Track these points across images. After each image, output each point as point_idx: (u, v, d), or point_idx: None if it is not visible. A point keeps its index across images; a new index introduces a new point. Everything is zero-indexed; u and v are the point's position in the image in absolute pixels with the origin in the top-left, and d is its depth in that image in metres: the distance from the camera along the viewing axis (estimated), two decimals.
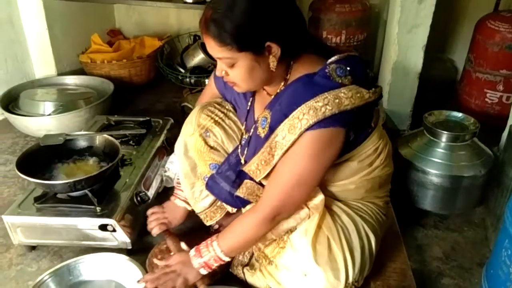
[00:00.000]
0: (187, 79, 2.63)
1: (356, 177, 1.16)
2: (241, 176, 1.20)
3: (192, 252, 1.16)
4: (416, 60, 2.07)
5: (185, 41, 2.94)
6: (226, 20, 0.96)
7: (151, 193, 1.59)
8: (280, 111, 1.03)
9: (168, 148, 1.81)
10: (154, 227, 1.37)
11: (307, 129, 0.98)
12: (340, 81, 1.00)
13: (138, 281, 1.18)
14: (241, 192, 1.20)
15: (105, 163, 1.49)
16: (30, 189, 1.46)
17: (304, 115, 0.98)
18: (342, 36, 2.41)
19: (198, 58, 2.76)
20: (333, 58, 1.03)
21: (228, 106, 1.31)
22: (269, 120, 1.06)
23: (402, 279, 1.26)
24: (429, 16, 1.96)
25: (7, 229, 1.38)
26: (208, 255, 1.13)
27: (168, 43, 2.89)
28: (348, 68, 1.01)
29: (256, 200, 1.20)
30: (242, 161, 1.20)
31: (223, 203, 1.30)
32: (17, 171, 1.32)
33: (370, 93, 1.02)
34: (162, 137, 1.79)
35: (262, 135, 1.08)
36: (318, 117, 0.97)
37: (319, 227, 1.13)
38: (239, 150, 1.23)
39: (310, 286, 1.11)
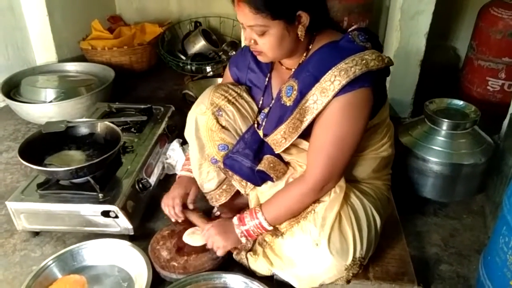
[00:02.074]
0: (188, 66, 2.63)
1: (367, 152, 1.20)
2: (260, 153, 1.23)
3: (236, 220, 1.22)
4: (418, 47, 2.05)
5: (186, 28, 2.93)
6: None
7: (152, 180, 1.60)
8: (310, 76, 1.06)
9: (169, 135, 1.82)
10: (176, 212, 1.36)
11: (340, 91, 1.01)
12: (363, 45, 1.06)
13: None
14: (263, 167, 1.22)
15: (91, 152, 1.50)
16: (33, 176, 1.47)
17: (335, 77, 1.02)
18: (344, 23, 2.39)
19: (199, 45, 2.75)
20: (352, 28, 1.10)
21: (241, 87, 1.32)
22: (296, 87, 1.08)
23: (400, 265, 1.27)
24: (431, 3, 1.94)
25: (10, 215, 1.40)
26: (252, 223, 1.18)
27: (169, 30, 2.88)
28: (367, 36, 1.08)
29: (276, 176, 1.23)
30: (261, 135, 1.22)
31: (238, 185, 1.32)
32: (19, 158, 1.33)
33: (388, 58, 1.08)
34: (164, 125, 1.80)
35: (289, 103, 1.10)
36: (349, 77, 1.00)
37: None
38: (255, 126, 1.26)
39: (318, 259, 1.13)
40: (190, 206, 1.39)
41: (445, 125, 1.57)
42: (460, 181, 1.56)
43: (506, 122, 1.65)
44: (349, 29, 1.10)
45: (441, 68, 2.58)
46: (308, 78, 1.06)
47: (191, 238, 1.34)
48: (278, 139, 1.14)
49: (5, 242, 1.45)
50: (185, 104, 2.18)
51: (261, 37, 1.06)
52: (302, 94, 1.07)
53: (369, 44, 1.07)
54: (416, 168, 1.60)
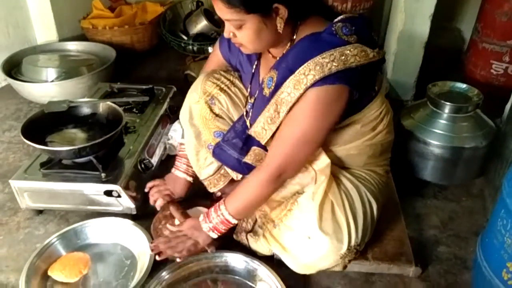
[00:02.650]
0: (190, 47, 2.61)
1: (359, 141, 1.18)
2: (248, 143, 1.22)
3: (201, 216, 1.21)
4: (423, 29, 2.03)
5: (187, 7, 2.89)
6: None
7: (154, 160, 1.61)
8: (286, 68, 1.04)
9: (171, 116, 1.82)
10: (158, 199, 1.40)
11: (312, 85, 0.99)
12: (346, 39, 1.00)
13: (152, 243, 1.24)
14: (249, 159, 1.22)
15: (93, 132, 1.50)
16: (36, 155, 1.48)
17: (310, 71, 0.99)
18: (348, 3, 2.35)
19: (201, 25, 2.72)
20: (338, 18, 1.05)
21: (234, 74, 1.31)
22: (275, 79, 1.06)
23: (399, 246, 1.29)
24: None
25: (14, 194, 1.41)
26: (216, 218, 1.17)
27: (171, 9, 2.84)
28: (353, 28, 1.02)
29: None
30: (248, 125, 1.21)
31: (230, 170, 1.32)
32: (22, 137, 1.33)
33: (374, 53, 1.03)
34: (165, 105, 1.80)
35: (268, 94, 1.09)
36: (324, 73, 0.98)
37: (324, 192, 1.15)
38: (244, 115, 1.24)
39: (313, 248, 1.15)
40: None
41: (447, 108, 1.57)
42: (461, 164, 1.57)
43: (508, 105, 1.64)
44: (335, 20, 1.04)
45: (445, 51, 2.55)
46: (284, 70, 1.04)
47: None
48: (259, 131, 1.13)
49: (9, 220, 1.47)
50: (187, 84, 2.15)
51: (239, 30, 1.04)
52: (277, 86, 1.05)
53: (354, 38, 1.01)
54: (417, 151, 1.61)
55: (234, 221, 1.17)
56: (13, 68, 2.19)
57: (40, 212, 1.48)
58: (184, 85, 2.14)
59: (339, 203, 1.15)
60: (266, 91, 1.09)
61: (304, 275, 1.24)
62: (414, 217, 1.49)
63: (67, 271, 1.21)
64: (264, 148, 1.19)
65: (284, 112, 1.05)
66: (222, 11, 1.01)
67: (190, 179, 1.42)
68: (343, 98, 1.03)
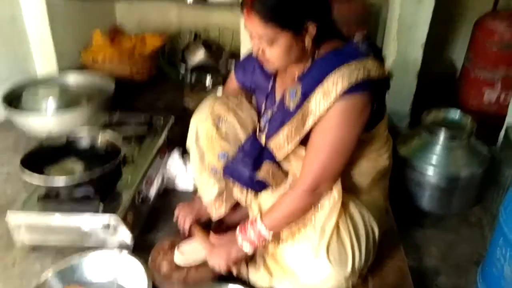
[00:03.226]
0: (188, 77, 2.65)
1: (365, 161, 1.22)
2: (258, 161, 1.25)
3: (237, 230, 1.22)
4: (416, 57, 2.08)
5: (186, 39, 2.95)
6: None
7: (152, 191, 1.61)
8: (313, 79, 1.09)
9: (169, 147, 1.83)
10: (186, 221, 1.40)
11: (341, 95, 1.04)
12: (366, 53, 1.10)
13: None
14: (261, 174, 1.24)
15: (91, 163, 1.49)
16: (34, 188, 1.48)
17: (338, 80, 1.04)
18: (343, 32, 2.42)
19: (199, 56, 2.77)
20: (357, 35, 1.15)
21: (242, 97, 1.34)
22: (299, 91, 1.11)
23: (399, 276, 1.28)
24: (428, 15, 1.97)
25: (11, 228, 1.40)
26: (253, 232, 1.19)
27: (169, 41, 2.90)
28: (370, 47, 1.13)
29: (276, 183, 1.26)
30: (263, 140, 1.24)
31: (239, 193, 1.33)
32: (20, 169, 1.34)
33: (389, 70, 1.12)
34: (164, 135, 1.81)
35: (292, 105, 1.12)
36: (351, 82, 1.03)
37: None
38: (257, 133, 1.28)
39: (318, 269, 1.14)
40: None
41: (442, 135, 1.59)
42: (458, 192, 1.58)
43: (502, 133, 1.66)
44: (354, 37, 1.14)
45: (438, 79, 2.60)
46: (311, 81, 1.09)
47: (181, 256, 1.33)
48: (280, 142, 1.16)
49: (4, 256, 1.45)
50: (185, 114, 2.19)
51: (269, 46, 1.10)
52: (305, 96, 1.09)
53: (372, 54, 1.10)
54: (414, 180, 1.62)
55: (269, 236, 1.18)
56: (13, 100, 2.21)
57: (36, 247, 1.46)
58: (182, 115, 2.16)
59: (345, 226, 1.16)
60: (289, 103, 1.13)
61: None
62: (413, 246, 1.48)
63: None
64: (276, 162, 1.23)
65: (310, 123, 1.09)
66: (257, 27, 1.07)
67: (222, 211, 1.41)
68: (368, 107, 1.10)
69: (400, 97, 2.17)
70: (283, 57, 1.11)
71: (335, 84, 1.04)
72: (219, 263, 1.22)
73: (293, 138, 1.13)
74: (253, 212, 1.33)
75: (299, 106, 1.10)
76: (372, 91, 1.07)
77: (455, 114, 1.69)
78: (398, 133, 1.97)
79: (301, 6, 1.06)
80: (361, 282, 1.22)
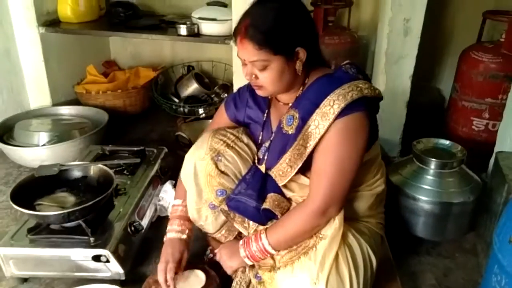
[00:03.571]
0: (181, 109, 2.68)
1: (363, 187, 1.24)
2: (263, 192, 1.25)
3: (241, 242, 1.23)
4: (404, 89, 2.13)
5: (179, 72, 3.00)
6: (263, 25, 1.09)
7: (145, 222, 1.59)
8: (310, 103, 1.13)
9: (162, 177, 1.83)
10: (168, 278, 1.27)
11: (339, 114, 1.08)
12: (355, 75, 1.15)
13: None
14: (268, 205, 1.23)
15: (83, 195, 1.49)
16: (24, 220, 1.46)
17: (335, 101, 1.09)
18: (332, 66, 2.48)
19: (192, 88, 2.82)
20: (344, 62, 1.20)
21: (239, 130, 1.35)
22: (297, 116, 1.14)
23: None
24: (414, 47, 2.04)
25: (0, 261, 1.37)
26: (256, 246, 1.20)
27: (163, 74, 2.95)
28: (357, 70, 1.19)
29: (281, 213, 1.25)
30: (263, 169, 1.25)
31: (241, 227, 1.31)
32: (10, 202, 1.32)
33: (379, 90, 1.17)
34: (156, 166, 1.81)
35: (291, 131, 1.15)
36: (347, 100, 1.08)
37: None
38: (256, 162, 1.30)
39: None
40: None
41: (433, 164, 1.61)
42: (451, 219, 1.58)
43: (492, 160, 1.69)
44: (341, 64, 1.19)
45: (427, 108, 2.66)
46: (308, 105, 1.13)
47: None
48: (283, 168, 1.18)
49: None
50: (178, 145, 2.21)
51: (262, 71, 1.13)
52: (304, 120, 1.12)
53: (361, 76, 1.16)
54: (407, 207, 1.62)
55: (273, 252, 1.19)
56: (6, 133, 2.21)
57: (25, 280, 1.43)
58: (175, 146, 2.18)
59: (343, 255, 1.15)
60: (288, 129, 1.16)
61: None
62: (409, 274, 1.47)
63: None
64: (280, 193, 1.24)
65: (311, 146, 1.11)
66: (251, 53, 1.11)
67: (185, 237, 1.35)
68: (366, 125, 1.13)
69: (391, 126, 2.21)
70: (276, 81, 1.14)
71: (331, 105, 1.08)
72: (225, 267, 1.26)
73: (296, 162, 1.15)
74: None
75: (299, 130, 1.13)
76: (367, 107, 1.12)
77: (444, 143, 1.72)
78: (390, 162, 1.99)
79: (292, 32, 1.11)
80: None
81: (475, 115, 2.22)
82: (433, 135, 1.77)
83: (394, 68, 2.10)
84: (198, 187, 1.31)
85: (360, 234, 1.22)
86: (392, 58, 2.08)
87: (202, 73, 2.98)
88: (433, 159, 1.60)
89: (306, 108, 1.13)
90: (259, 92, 1.21)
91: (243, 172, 1.31)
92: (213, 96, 2.79)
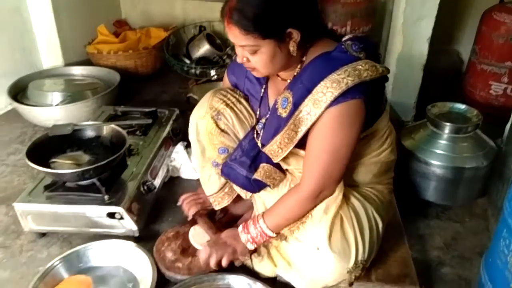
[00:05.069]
0: (193, 70, 2.66)
1: (366, 158, 1.20)
2: (256, 161, 1.25)
3: (240, 228, 1.23)
4: (421, 51, 2.07)
5: (190, 32, 2.95)
6: (249, 9, 1.00)
7: (157, 182, 1.62)
8: (303, 88, 1.06)
9: (173, 138, 1.84)
10: (190, 209, 1.41)
11: (332, 102, 1.01)
12: (356, 55, 1.05)
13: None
14: (258, 175, 1.24)
15: (96, 154, 1.52)
16: (40, 178, 1.49)
17: (328, 89, 1.01)
18: (347, 27, 2.41)
19: (203, 49, 2.78)
20: (346, 37, 1.10)
21: (240, 93, 1.33)
22: (290, 99, 1.08)
23: (402, 268, 1.28)
24: (434, 8, 1.96)
25: (18, 216, 1.42)
26: (255, 231, 1.20)
27: (174, 34, 2.90)
28: (362, 45, 1.07)
29: (273, 183, 1.26)
30: (259, 144, 1.23)
31: (238, 189, 1.34)
32: (27, 160, 1.35)
33: (383, 68, 1.07)
34: (168, 128, 1.82)
35: (284, 114, 1.10)
36: (342, 88, 1.00)
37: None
38: (254, 135, 1.27)
39: (320, 262, 1.15)
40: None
41: (447, 128, 1.58)
42: (463, 184, 1.57)
43: (508, 126, 1.66)
44: (344, 38, 1.09)
45: (444, 72, 2.59)
46: (301, 90, 1.06)
47: (196, 238, 1.35)
48: (274, 149, 1.15)
49: (12, 243, 1.47)
50: (189, 107, 2.18)
51: (253, 55, 1.08)
52: (296, 106, 1.07)
53: (363, 54, 1.05)
54: (419, 172, 1.61)
55: (272, 234, 1.20)
56: (19, 92, 2.23)
57: (43, 235, 1.49)
58: (187, 107, 2.17)
59: (348, 219, 1.16)
60: (281, 111, 1.11)
61: None
62: (417, 238, 1.48)
63: None
64: (273, 164, 1.22)
65: (302, 131, 1.08)
66: (238, 38, 1.05)
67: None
68: (362, 111, 1.06)
69: (405, 90, 2.17)
70: (268, 65, 1.09)
71: (324, 92, 1.01)
72: (220, 256, 1.22)
73: (286, 145, 1.13)
74: (257, 207, 1.34)
75: (290, 115, 1.09)
76: (364, 94, 1.04)
77: (460, 107, 1.69)
78: (403, 126, 1.97)
79: (282, 14, 1.02)
80: (364, 273, 1.22)
81: (493, 79, 2.16)
82: (449, 100, 1.73)
83: (412, 30, 2.03)
84: (201, 145, 1.33)
85: (366, 198, 1.22)
86: (411, 19, 2.00)
87: (214, 34, 2.93)
88: (447, 123, 1.57)
89: (299, 93, 1.07)
90: (254, 74, 1.17)
91: (240, 134, 1.31)
92: (225, 57, 2.75)
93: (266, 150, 1.18)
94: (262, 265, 1.26)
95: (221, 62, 2.71)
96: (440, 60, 2.46)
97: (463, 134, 1.58)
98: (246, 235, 1.22)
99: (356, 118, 1.06)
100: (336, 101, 1.01)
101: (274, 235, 1.21)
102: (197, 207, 1.42)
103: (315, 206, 1.17)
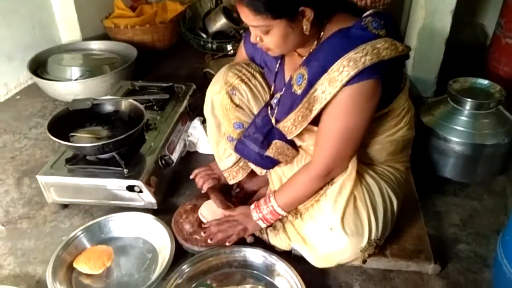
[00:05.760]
0: (209, 45, 2.63)
1: (382, 137, 1.19)
2: (269, 137, 1.25)
3: (252, 206, 1.25)
4: (444, 24, 2.00)
5: (207, 6, 2.91)
6: None
7: (175, 156, 1.64)
8: (318, 66, 1.04)
9: (190, 113, 1.85)
10: (204, 183, 1.44)
11: (348, 81, 0.99)
12: (376, 32, 1.01)
13: (204, 225, 1.32)
14: (270, 152, 1.25)
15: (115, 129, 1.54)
16: (61, 151, 1.53)
17: (344, 67, 0.99)
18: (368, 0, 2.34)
19: (220, 23, 2.74)
20: (367, 13, 1.05)
21: (255, 67, 1.33)
22: (306, 76, 1.06)
23: (418, 244, 1.29)
24: None
25: (41, 188, 1.46)
26: (266, 209, 1.22)
27: (190, 8, 2.87)
28: (382, 22, 1.03)
29: (285, 160, 1.27)
30: (273, 121, 1.23)
31: (252, 165, 1.35)
32: (48, 134, 1.38)
33: (403, 46, 1.03)
34: (185, 103, 1.83)
35: (299, 91, 1.09)
36: (358, 68, 0.98)
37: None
38: (268, 111, 1.26)
39: (334, 240, 1.16)
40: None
41: (468, 104, 1.55)
42: (482, 161, 1.55)
43: None
44: (364, 14, 1.05)
45: (467, 46, 2.51)
46: (316, 68, 1.04)
47: (206, 212, 1.38)
48: (288, 126, 1.15)
49: (36, 214, 1.52)
50: (206, 82, 2.18)
51: (265, 35, 1.06)
52: (311, 84, 1.05)
53: (384, 31, 1.01)
54: (437, 148, 1.59)
55: (283, 213, 1.22)
56: (39, 67, 2.26)
57: (65, 206, 1.53)
58: (203, 82, 2.17)
59: (361, 197, 1.16)
60: (296, 89, 1.10)
61: (322, 271, 1.25)
62: (434, 214, 1.48)
63: (91, 264, 1.25)
64: (286, 141, 1.22)
65: (316, 110, 1.07)
66: (249, 18, 1.03)
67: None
68: (378, 92, 1.04)
69: (426, 65, 2.11)
70: (281, 45, 1.07)
71: (340, 71, 0.99)
72: (230, 236, 1.25)
73: (300, 123, 1.12)
74: (273, 182, 1.35)
75: (305, 93, 1.07)
76: (382, 74, 1.01)
77: (483, 82, 1.64)
78: (423, 102, 1.93)
79: None
80: (378, 250, 1.23)
81: None
82: (471, 75, 1.68)
83: (435, 2, 1.96)
84: (216, 120, 1.34)
85: (380, 176, 1.21)
86: None
87: (231, 7, 2.88)
88: (469, 99, 1.54)
89: (315, 71, 1.04)
90: (270, 53, 1.14)
91: (254, 110, 1.31)
92: (241, 32, 2.71)
93: (280, 126, 1.18)
94: (277, 239, 1.28)
95: (237, 36, 2.68)
96: (463, 33, 2.38)
97: (485, 110, 1.54)
98: (258, 213, 1.23)
99: (372, 98, 1.04)
100: (352, 80, 0.99)
101: (285, 213, 1.22)
102: (211, 182, 1.44)
103: (324, 185, 1.18)
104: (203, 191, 1.45)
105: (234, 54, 2.52)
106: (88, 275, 1.25)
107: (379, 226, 1.17)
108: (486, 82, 1.63)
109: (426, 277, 1.25)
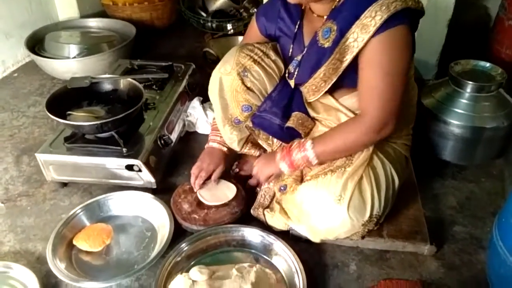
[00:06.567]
0: (209, 24, 2.60)
1: None
2: (287, 111, 1.26)
3: (282, 151, 1.24)
4: (447, 5, 1.97)
5: None
6: None
7: (173, 136, 1.64)
8: (350, 14, 1.05)
9: (190, 93, 1.84)
10: (197, 184, 1.39)
11: (381, 26, 1.01)
12: None
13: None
14: (292, 123, 1.26)
15: (114, 107, 1.52)
16: (60, 130, 1.53)
17: (376, 12, 1.01)
18: None
19: (220, 1, 2.70)
20: None
21: (268, 45, 1.31)
22: (335, 28, 1.08)
23: (414, 225, 1.30)
24: None
25: (40, 166, 1.47)
26: (299, 154, 1.20)
27: None
28: None
29: (304, 132, 1.28)
30: (292, 84, 1.24)
31: (265, 143, 1.36)
32: (47, 112, 1.37)
33: (421, 4, 1.07)
34: (184, 82, 1.82)
35: (327, 44, 1.10)
36: (390, 11, 1.00)
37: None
38: (286, 76, 1.28)
39: (335, 215, 1.15)
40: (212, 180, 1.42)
41: (469, 87, 1.54)
42: (481, 144, 1.55)
43: None
44: None
45: (470, 28, 2.48)
46: (347, 16, 1.06)
47: (205, 195, 1.39)
48: (317, 83, 1.15)
49: (35, 192, 1.53)
50: (206, 62, 2.18)
51: None
52: (342, 33, 1.07)
53: None
54: (437, 131, 1.59)
55: (315, 161, 1.19)
56: (36, 44, 2.23)
57: (64, 184, 1.54)
58: (203, 62, 2.15)
59: (366, 174, 1.17)
60: (324, 42, 1.11)
61: (319, 250, 1.27)
62: (431, 197, 1.49)
63: (91, 241, 1.26)
64: (305, 111, 1.24)
65: (348, 60, 1.08)
66: None
67: (225, 149, 1.43)
68: (409, 38, 1.07)
69: (428, 47, 2.09)
70: None
71: (373, 16, 1.01)
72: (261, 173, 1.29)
73: (330, 77, 1.12)
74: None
75: (336, 43, 1.08)
76: (410, 21, 1.04)
77: (484, 65, 1.62)
78: (423, 84, 1.92)
79: None
80: (376, 229, 1.24)
81: None
82: (474, 57, 1.66)
83: None
84: (223, 102, 1.32)
85: (385, 154, 1.22)
86: None
87: None
88: (470, 82, 1.53)
89: (346, 19, 1.06)
90: (289, 0, 1.14)
91: (269, 89, 1.30)
92: (241, 10, 2.68)
93: (306, 86, 1.18)
94: (274, 220, 1.29)
95: (237, 15, 2.64)
96: (466, 14, 2.35)
97: (486, 93, 1.54)
98: (285, 157, 1.22)
99: (405, 43, 1.06)
100: (384, 26, 1.01)
101: (315, 162, 1.19)
102: (201, 182, 1.39)
103: (370, 144, 1.17)
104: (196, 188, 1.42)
105: (234, 34, 2.51)
106: (88, 253, 1.27)
107: (381, 203, 1.18)
108: (487, 64, 1.62)
109: (421, 257, 1.26)
